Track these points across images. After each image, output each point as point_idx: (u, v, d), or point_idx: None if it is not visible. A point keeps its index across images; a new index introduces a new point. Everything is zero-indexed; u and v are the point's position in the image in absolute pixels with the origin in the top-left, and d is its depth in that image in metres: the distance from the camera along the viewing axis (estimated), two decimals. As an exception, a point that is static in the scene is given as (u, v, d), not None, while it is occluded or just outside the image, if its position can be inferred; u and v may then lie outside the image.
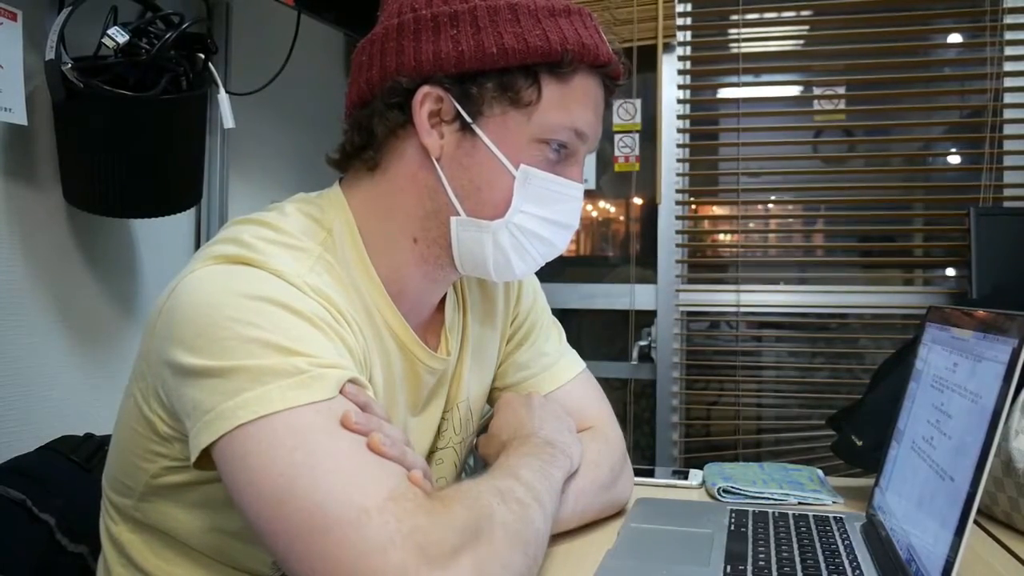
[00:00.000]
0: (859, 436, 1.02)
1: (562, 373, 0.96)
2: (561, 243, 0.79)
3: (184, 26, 1.17)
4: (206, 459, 0.61)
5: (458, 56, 0.72)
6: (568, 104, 0.74)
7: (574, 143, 0.76)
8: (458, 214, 0.76)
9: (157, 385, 0.68)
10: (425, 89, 0.73)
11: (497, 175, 0.74)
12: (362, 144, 0.78)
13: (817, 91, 2.16)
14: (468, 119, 0.74)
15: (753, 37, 2.19)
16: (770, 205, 2.29)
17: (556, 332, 1.01)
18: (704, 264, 2.29)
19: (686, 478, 1.12)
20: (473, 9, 0.72)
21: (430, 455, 0.89)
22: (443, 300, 0.88)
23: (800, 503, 1.01)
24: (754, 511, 0.93)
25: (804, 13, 2.16)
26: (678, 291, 2.18)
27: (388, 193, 0.78)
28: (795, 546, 0.81)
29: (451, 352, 0.87)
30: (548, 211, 0.76)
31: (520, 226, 0.76)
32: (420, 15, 0.74)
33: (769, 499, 1.02)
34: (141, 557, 0.75)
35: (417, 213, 0.77)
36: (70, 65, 1.10)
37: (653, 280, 2.20)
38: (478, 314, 0.92)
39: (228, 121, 1.35)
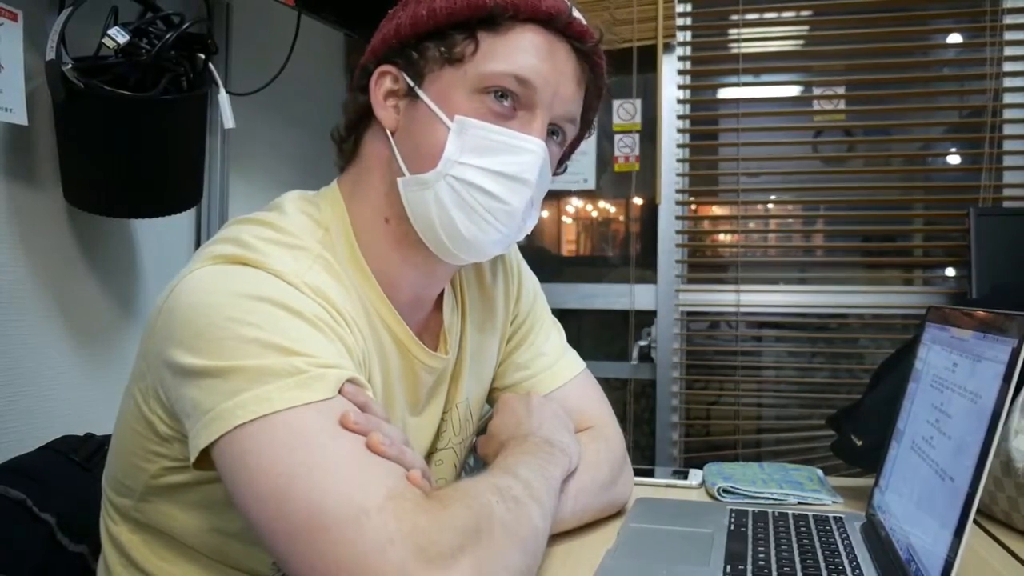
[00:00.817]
0: (859, 436, 1.02)
1: (562, 373, 0.96)
2: (511, 198, 0.74)
3: (184, 26, 1.17)
4: (205, 459, 0.61)
5: (396, 28, 0.77)
6: (507, 54, 0.74)
7: (522, 93, 0.75)
8: (403, 175, 0.76)
9: (157, 385, 0.68)
10: (380, 68, 0.78)
11: (433, 128, 0.75)
12: (344, 135, 0.82)
13: (817, 91, 2.16)
14: (412, 84, 0.76)
15: (753, 37, 2.19)
16: (770, 205, 2.29)
17: (556, 332, 1.01)
18: (704, 264, 2.29)
19: (686, 478, 1.12)
20: None
21: (430, 456, 0.89)
22: (442, 302, 0.88)
23: (800, 503, 1.01)
24: (754, 511, 0.92)
25: (804, 13, 2.16)
26: (678, 291, 2.18)
27: (363, 178, 0.80)
28: (795, 546, 0.81)
29: (449, 352, 0.87)
30: (492, 162, 0.74)
31: (459, 178, 0.74)
32: (387, 15, 0.80)
33: (769, 499, 1.02)
34: (141, 557, 0.75)
35: (382, 190, 0.79)
36: (70, 65, 1.10)
37: (653, 280, 2.20)
38: (477, 315, 0.92)
39: (228, 121, 1.35)
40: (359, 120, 0.81)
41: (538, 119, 0.76)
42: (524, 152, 0.75)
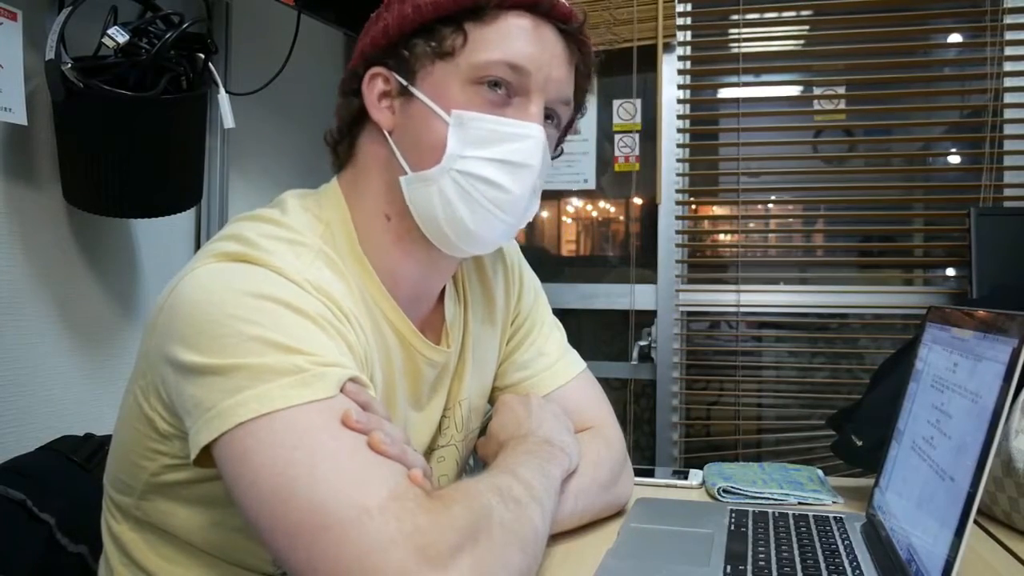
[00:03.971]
0: (859, 436, 1.02)
1: (562, 373, 0.96)
2: (514, 186, 0.75)
3: (184, 26, 1.17)
4: (206, 457, 0.61)
5: (384, 29, 0.77)
6: (497, 42, 0.74)
7: (516, 79, 0.75)
8: (406, 173, 0.77)
9: (157, 382, 0.68)
10: (372, 71, 0.78)
11: (432, 124, 0.75)
12: (338, 138, 0.83)
13: (817, 91, 2.16)
14: (405, 83, 0.76)
15: (753, 37, 2.19)
16: (770, 205, 2.29)
17: (557, 332, 1.01)
18: (704, 264, 2.29)
19: (686, 478, 1.12)
20: None
21: (432, 452, 0.89)
22: (444, 298, 0.88)
23: (800, 503, 1.01)
24: (754, 511, 0.93)
25: (804, 13, 2.16)
26: (678, 291, 2.18)
27: (361, 178, 0.81)
28: (795, 546, 0.81)
29: (451, 346, 0.87)
30: (493, 151, 0.74)
31: (462, 170, 0.74)
32: (370, 18, 0.80)
33: (769, 499, 1.02)
34: (142, 556, 0.75)
35: (381, 189, 0.79)
36: (70, 65, 1.10)
37: (653, 280, 2.20)
38: (479, 311, 0.92)
39: (228, 121, 1.35)
40: (353, 122, 0.81)
41: (534, 104, 0.76)
42: (524, 138, 0.75)
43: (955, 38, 2.15)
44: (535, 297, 1.00)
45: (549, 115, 0.79)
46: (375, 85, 0.78)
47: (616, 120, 2.18)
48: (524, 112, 0.76)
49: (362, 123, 0.81)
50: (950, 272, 2.12)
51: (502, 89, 0.75)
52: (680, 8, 2.16)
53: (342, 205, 0.79)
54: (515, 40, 0.75)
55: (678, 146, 2.17)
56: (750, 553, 0.78)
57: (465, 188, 0.74)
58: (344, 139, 0.83)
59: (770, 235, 2.30)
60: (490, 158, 0.74)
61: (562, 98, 0.79)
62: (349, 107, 0.80)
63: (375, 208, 0.79)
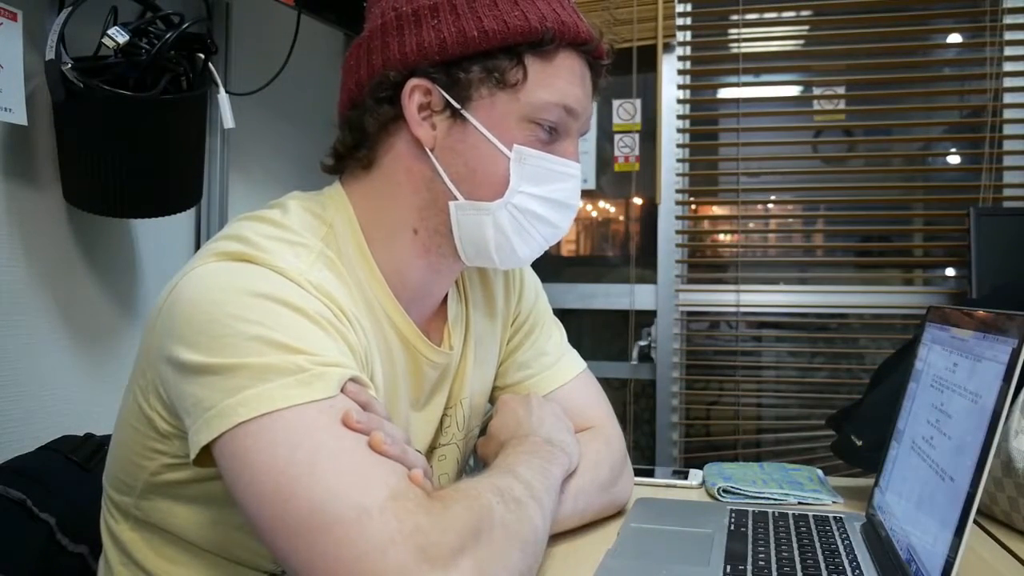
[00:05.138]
0: (859, 436, 1.02)
1: (563, 373, 0.96)
2: (564, 223, 0.80)
3: (184, 26, 1.17)
4: (206, 456, 0.61)
5: (440, 44, 0.73)
6: (554, 82, 0.75)
7: (564, 121, 0.77)
8: (456, 199, 0.76)
9: (157, 382, 0.68)
10: (413, 81, 0.75)
11: (491, 156, 0.75)
12: (355, 143, 0.79)
13: (817, 91, 2.16)
14: (457, 105, 0.74)
15: (753, 37, 2.19)
16: (770, 205, 2.29)
17: (557, 332, 1.01)
18: (704, 264, 2.29)
19: (686, 478, 1.12)
20: None
21: (432, 451, 0.89)
22: (446, 298, 0.88)
23: (800, 503, 1.01)
24: (754, 511, 0.93)
25: (804, 13, 2.16)
26: (678, 291, 2.18)
27: (385, 188, 0.79)
28: (795, 546, 0.81)
29: (454, 347, 0.87)
30: (545, 190, 0.77)
31: (519, 206, 0.76)
32: (402, 12, 0.75)
33: (769, 499, 1.02)
34: (142, 555, 0.75)
35: (415, 204, 0.78)
36: (70, 65, 1.10)
37: (653, 280, 2.20)
38: (481, 312, 0.93)
39: (228, 121, 1.35)
40: (380, 130, 0.77)
41: (573, 143, 0.79)
42: (569, 178, 0.78)
43: (955, 38, 2.15)
44: (536, 297, 1.00)
45: None
46: (415, 97, 0.75)
47: (616, 120, 2.18)
48: (567, 150, 0.78)
49: (391, 132, 0.78)
50: (950, 272, 2.12)
51: (555, 130, 0.77)
52: (680, 8, 2.16)
53: (347, 209, 0.79)
54: (569, 83, 0.76)
55: (678, 146, 2.17)
56: (750, 553, 0.78)
57: (521, 223, 0.76)
58: (363, 145, 0.79)
59: (770, 235, 2.30)
60: (543, 196, 0.77)
61: (586, 129, 0.82)
62: (379, 114, 0.76)
63: (402, 221, 0.78)
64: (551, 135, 0.77)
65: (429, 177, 0.77)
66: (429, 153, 0.76)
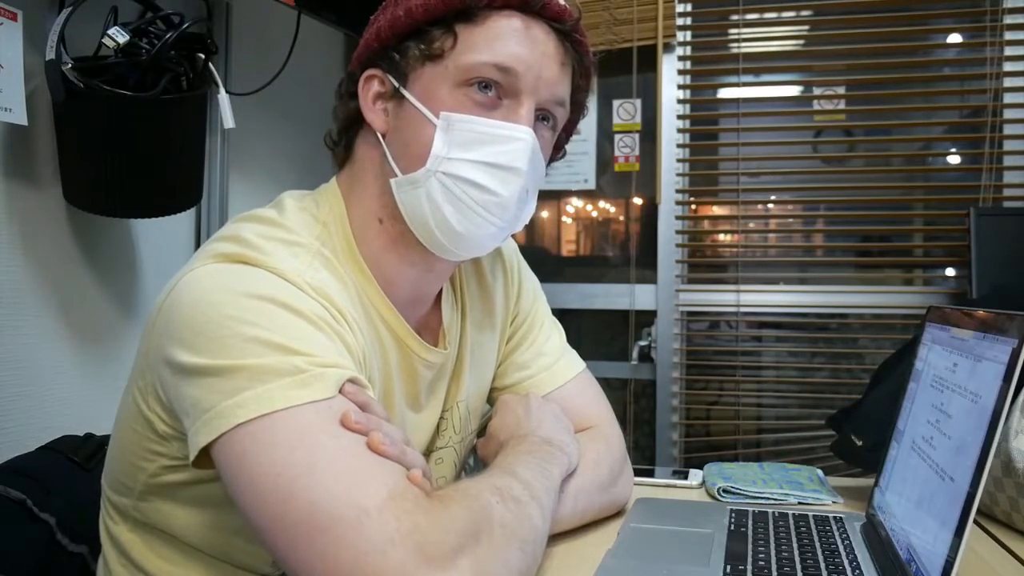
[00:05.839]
0: (859, 436, 1.02)
1: (562, 373, 0.96)
2: (503, 189, 0.74)
3: (184, 26, 1.17)
4: (205, 458, 0.61)
5: (377, 32, 0.78)
6: (486, 43, 0.74)
7: (505, 81, 0.74)
8: (396, 176, 0.77)
9: (156, 383, 0.68)
10: (367, 73, 0.78)
11: (420, 126, 0.75)
12: (336, 140, 0.83)
13: (817, 91, 2.16)
14: (397, 85, 0.76)
15: (753, 37, 2.19)
16: (770, 205, 2.29)
17: (556, 332, 1.01)
18: (704, 264, 2.29)
19: (686, 478, 1.11)
20: None
21: (430, 453, 0.89)
22: (441, 300, 0.88)
23: (800, 503, 1.01)
24: (754, 511, 0.93)
25: (804, 13, 2.16)
26: (678, 291, 2.18)
27: (357, 180, 0.81)
28: (795, 546, 0.81)
29: (448, 347, 0.87)
30: (481, 153, 0.74)
31: (449, 173, 0.74)
32: (369, 21, 0.80)
33: (769, 499, 1.02)
34: (141, 557, 0.75)
35: (375, 191, 0.79)
36: (70, 65, 1.10)
37: (653, 280, 2.20)
38: (477, 313, 0.92)
39: (228, 121, 1.35)
40: (350, 125, 0.82)
41: (524, 106, 0.75)
42: (512, 141, 0.74)
43: (955, 38, 2.15)
44: (534, 297, 1.00)
45: (544, 116, 0.79)
46: (370, 87, 0.79)
47: (616, 120, 2.18)
48: (513, 114, 0.75)
49: (359, 125, 0.81)
50: (950, 272, 2.12)
51: (491, 91, 0.74)
52: (680, 8, 2.16)
53: (340, 206, 0.80)
54: (504, 41, 0.74)
55: (678, 146, 2.17)
56: (750, 553, 0.78)
57: (452, 190, 0.74)
58: (342, 141, 0.83)
59: (770, 235, 2.30)
60: (476, 160, 0.74)
61: (555, 98, 0.78)
62: (346, 109, 0.81)
63: (369, 211, 0.79)
64: (491, 98, 0.74)
65: (380, 160, 0.78)
66: (380, 138, 0.78)
